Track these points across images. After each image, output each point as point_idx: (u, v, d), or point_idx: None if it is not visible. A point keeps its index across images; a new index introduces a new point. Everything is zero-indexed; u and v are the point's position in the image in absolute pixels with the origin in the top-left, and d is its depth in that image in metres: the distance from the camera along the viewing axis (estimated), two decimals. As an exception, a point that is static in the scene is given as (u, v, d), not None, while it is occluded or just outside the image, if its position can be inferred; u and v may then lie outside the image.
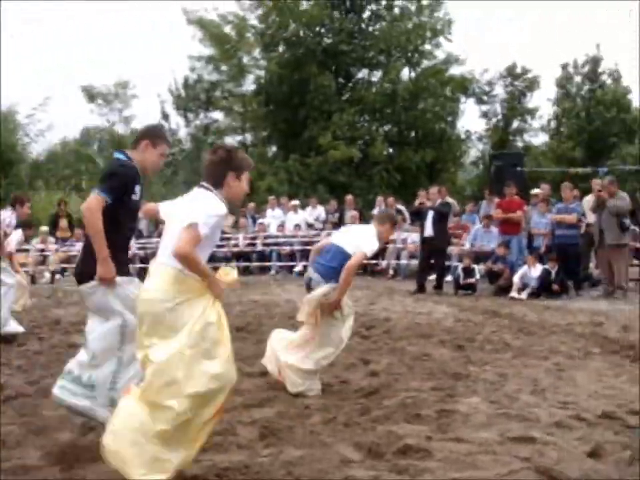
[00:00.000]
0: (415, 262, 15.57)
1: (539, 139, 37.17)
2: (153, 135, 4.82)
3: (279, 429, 4.65)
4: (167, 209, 4.21)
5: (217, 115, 31.25)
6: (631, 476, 3.86)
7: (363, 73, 30.33)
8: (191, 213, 3.72)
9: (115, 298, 4.45)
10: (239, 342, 7.91)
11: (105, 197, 4.44)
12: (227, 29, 28.44)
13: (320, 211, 19.19)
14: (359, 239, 5.84)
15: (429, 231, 13.51)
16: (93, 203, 4.42)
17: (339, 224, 18.16)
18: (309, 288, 5.79)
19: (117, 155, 4.81)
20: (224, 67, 29.33)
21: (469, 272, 13.62)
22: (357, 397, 5.55)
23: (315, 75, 27.20)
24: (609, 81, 36.86)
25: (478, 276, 13.74)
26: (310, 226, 18.53)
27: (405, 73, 30.04)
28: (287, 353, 5.80)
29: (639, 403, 5.22)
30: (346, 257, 5.69)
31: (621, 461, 4.10)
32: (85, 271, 4.55)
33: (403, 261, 16.66)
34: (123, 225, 4.63)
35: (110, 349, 4.45)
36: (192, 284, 3.74)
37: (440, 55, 30.30)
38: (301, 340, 5.83)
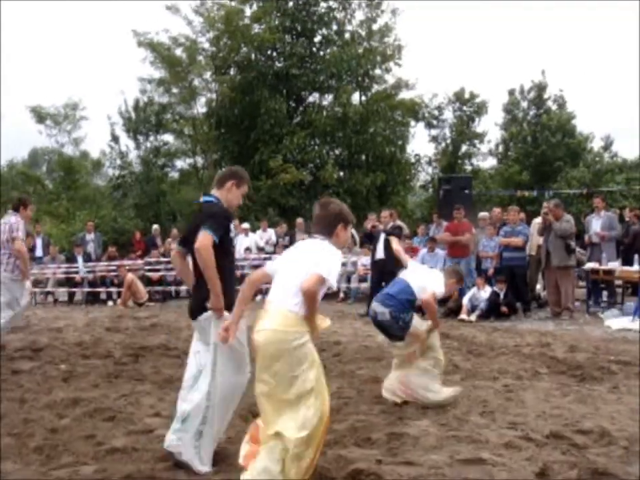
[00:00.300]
0: (365, 285, 15.59)
1: (487, 163, 37.82)
2: (239, 176, 5.11)
3: (228, 455, 4.61)
4: (276, 265, 4.45)
5: (168, 138, 31.01)
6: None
7: (313, 97, 30.46)
8: (320, 262, 4.11)
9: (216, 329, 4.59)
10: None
11: (213, 235, 4.60)
12: (178, 52, 28.35)
13: (270, 234, 19.15)
14: (428, 280, 6.37)
15: (380, 253, 13.55)
16: (207, 241, 4.56)
17: (289, 247, 18.16)
18: (376, 320, 6.29)
19: (209, 198, 5.03)
20: (175, 90, 29.19)
21: (419, 294, 13.68)
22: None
23: (266, 98, 27.23)
24: (554, 107, 37.68)
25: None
26: (260, 249, 18.47)
27: (356, 97, 30.26)
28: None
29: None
30: (412, 292, 6.23)
31: (568, 480, 4.16)
32: (200, 305, 4.75)
33: (354, 284, 16.69)
34: (227, 261, 4.85)
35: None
36: (305, 326, 4.04)
37: (390, 79, 30.64)
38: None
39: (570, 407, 5.92)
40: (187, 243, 4.90)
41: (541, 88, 37.61)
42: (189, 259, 4.98)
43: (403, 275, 6.60)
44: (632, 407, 6.00)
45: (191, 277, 4.97)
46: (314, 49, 29.58)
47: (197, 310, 4.78)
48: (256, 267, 17.33)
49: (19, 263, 8.52)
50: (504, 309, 12.89)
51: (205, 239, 4.56)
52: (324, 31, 29.53)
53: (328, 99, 30.22)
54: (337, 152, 30.02)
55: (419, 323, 6.33)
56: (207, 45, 28.84)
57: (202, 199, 5.12)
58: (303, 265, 4.15)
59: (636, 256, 12.75)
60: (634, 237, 14.18)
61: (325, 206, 4.52)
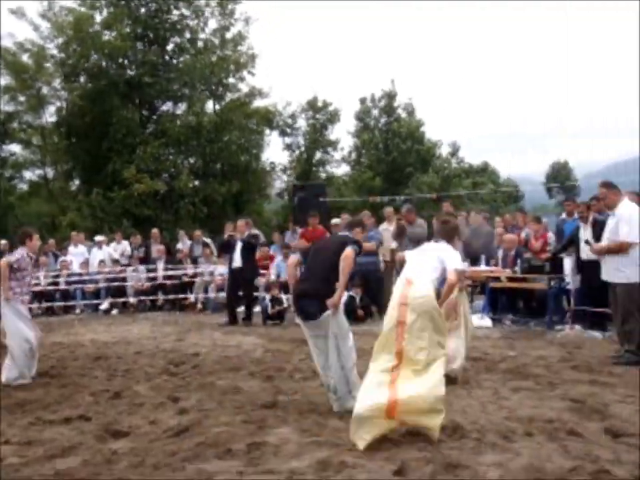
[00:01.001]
0: (223, 295, 15.51)
1: (341, 170, 38.46)
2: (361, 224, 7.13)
3: (82, 480, 4.49)
4: (413, 255, 6.36)
5: (15, 148, 29.79)
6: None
7: (167, 106, 30.12)
8: (453, 257, 6.08)
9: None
10: (40, 388, 7.59)
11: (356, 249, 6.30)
12: (25, 58, 27.29)
13: (125, 245, 18.70)
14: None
15: (237, 262, 13.56)
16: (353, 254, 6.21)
17: (145, 259, 17.84)
18: None
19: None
20: (22, 98, 28.09)
21: (277, 301, 13.78)
22: (166, 437, 5.43)
23: (117, 107, 26.70)
24: (403, 114, 38.85)
25: (286, 305, 13.92)
26: (115, 261, 18.02)
27: (210, 106, 30.19)
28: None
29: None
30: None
31: (424, 476, 4.30)
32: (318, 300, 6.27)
33: (211, 294, 16.56)
34: None
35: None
36: None
37: (244, 88, 30.78)
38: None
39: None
40: None
41: (390, 96, 38.73)
42: None
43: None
44: (482, 401, 6.29)
45: None
46: (167, 57, 29.31)
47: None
48: (111, 280, 16.99)
49: None
50: (360, 312, 13.16)
51: (352, 252, 6.22)
52: (177, 38, 29.33)
53: (182, 107, 30.05)
54: (191, 161, 29.85)
55: None
56: (55, 52, 27.93)
57: None
58: (433, 256, 6.00)
59: (483, 256, 13.32)
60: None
61: (447, 222, 6.61)
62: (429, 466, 4.44)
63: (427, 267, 5.88)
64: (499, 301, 12.85)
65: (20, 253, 8.56)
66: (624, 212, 8.34)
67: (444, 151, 40.77)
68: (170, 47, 29.43)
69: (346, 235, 6.82)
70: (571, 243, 11.48)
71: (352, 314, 13.08)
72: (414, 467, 4.45)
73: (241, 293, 14.01)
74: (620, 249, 8.29)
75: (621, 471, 4.33)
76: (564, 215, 13.41)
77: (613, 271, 8.40)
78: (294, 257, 7.45)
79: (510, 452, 4.76)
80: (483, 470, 4.38)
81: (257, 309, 14.50)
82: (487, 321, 12.25)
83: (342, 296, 6.34)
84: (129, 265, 17.66)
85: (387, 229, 14.52)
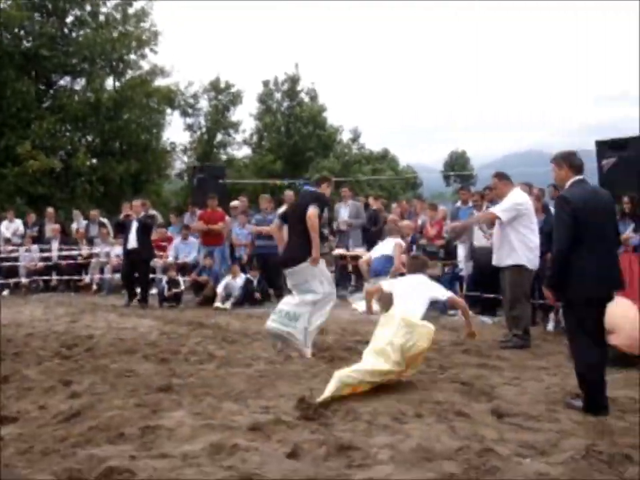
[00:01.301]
0: (119, 276, 15.25)
1: (242, 152, 38.31)
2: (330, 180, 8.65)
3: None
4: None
5: None
6: (326, 470, 4.11)
7: (65, 81, 29.17)
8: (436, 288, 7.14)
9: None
10: None
11: (318, 210, 7.72)
12: None
13: (18, 224, 18.11)
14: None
15: (132, 243, 13.35)
16: (315, 213, 7.68)
17: (39, 238, 17.36)
18: None
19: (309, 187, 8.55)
20: None
21: (173, 283, 13.65)
22: (56, 423, 5.28)
23: (12, 79, 25.67)
24: (306, 99, 38.94)
25: (183, 287, 13.82)
26: (7, 241, 17.44)
27: (110, 83, 29.43)
28: None
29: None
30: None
31: (317, 458, 4.35)
32: (293, 257, 7.88)
33: (107, 276, 16.26)
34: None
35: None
36: None
37: (145, 65, 30.12)
38: None
39: (319, 387, 6.18)
40: None
41: (294, 80, 38.74)
42: None
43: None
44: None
45: None
46: (65, 30, 28.32)
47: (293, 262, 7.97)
48: (2, 260, 16.46)
49: None
50: (257, 295, 13.20)
51: (314, 211, 7.73)
52: (76, 11, 28.36)
53: (80, 83, 29.14)
54: (89, 138, 29.11)
55: None
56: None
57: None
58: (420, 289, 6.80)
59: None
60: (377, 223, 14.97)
61: (417, 257, 7.78)
62: (322, 448, 4.49)
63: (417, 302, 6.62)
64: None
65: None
66: (509, 198, 8.73)
67: (345, 136, 41.12)
68: (69, 19, 28.42)
69: (312, 190, 8.29)
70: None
71: (249, 297, 13.14)
72: (307, 449, 4.50)
73: (136, 275, 13.78)
74: (486, 218, 9.01)
75: (505, 449, 4.49)
76: (459, 203, 13.74)
77: (503, 257, 8.70)
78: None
79: (400, 433, 4.86)
80: (374, 451, 4.46)
81: (154, 290, 14.34)
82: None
83: (317, 251, 7.79)
84: (21, 245, 17.16)
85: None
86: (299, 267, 7.75)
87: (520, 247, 8.40)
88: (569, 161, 5.71)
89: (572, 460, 4.28)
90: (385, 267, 9.48)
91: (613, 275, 5.60)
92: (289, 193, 15.40)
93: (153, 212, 16.53)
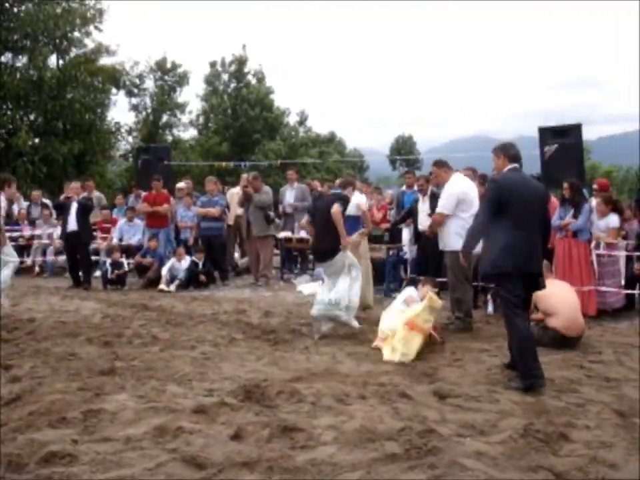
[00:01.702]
0: (62, 258, 15.01)
1: (188, 134, 38.00)
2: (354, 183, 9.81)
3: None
4: None
5: None
6: (270, 452, 4.13)
7: (6, 57, 28.37)
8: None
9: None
10: None
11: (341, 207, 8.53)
12: None
13: (-45, 204, 17.68)
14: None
15: (72, 225, 13.13)
16: (339, 210, 8.47)
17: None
18: None
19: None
20: None
21: (117, 265, 13.49)
22: (-4, 407, 5.19)
23: (-51, 55, 25.08)
24: (253, 81, 38.74)
25: (127, 269, 13.68)
26: (-57, 221, 17.00)
27: (53, 60, 28.81)
28: None
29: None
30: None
31: (261, 439, 4.37)
32: (326, 250, 8.58)
33: (50, 258, 15.99)
34: None
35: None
36: None
37: (90, 44, 29.54)
38: None
39: (263, 370, 6.20)
40: None
41: (241, 62, 38.51)
42: None
43: None
44: (321, 366, 6.44)
45: None
46: (6, 5, 27.54)
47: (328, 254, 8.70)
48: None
49: None
50: (202, 278, 13.14)
51: (339, 208, 8.54)
52: (18, -15, 27.65)
53: (22, 60, 28.40)
54: (31, 117, 28.52)
55: None
56: None
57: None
58: None
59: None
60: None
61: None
62: (266, 430, 4.52)
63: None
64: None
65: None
66: (447, 188, 8.93)
67: (292, 119, 41.05)
68: (10, -6, 27.79)
69: (338, 192, 9.27)
70: (409, 214, 11.86)
71: (194, 279, 13.07)
72: (251, 431, 4.52)
73: (78, 257, 13.55)
74: (437, 222, 8.96)
75: (446, 429, 4.58)
76: (404, 187, 13.83)
77: (444, 241, 8.84)
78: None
79: (344, 415, 4.91)
80: (318, 433, 4.50)
81: (97, 273, 14.17)
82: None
83: (346, 239, 8.58)
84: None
85: (238, 193, 14.56)
86: (334, 260, 8.53)
87: (460, 231, 8.50)
88: (505, 151, 6.28)
89: (510, 439, 4.39)
90: (352, 228, 9.34)
91: (533, 255, 5.96)
92: (244, 176, 15.07)
93: (97, 193, 16.29)
